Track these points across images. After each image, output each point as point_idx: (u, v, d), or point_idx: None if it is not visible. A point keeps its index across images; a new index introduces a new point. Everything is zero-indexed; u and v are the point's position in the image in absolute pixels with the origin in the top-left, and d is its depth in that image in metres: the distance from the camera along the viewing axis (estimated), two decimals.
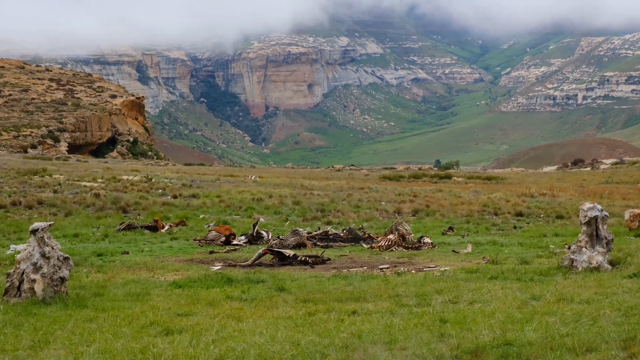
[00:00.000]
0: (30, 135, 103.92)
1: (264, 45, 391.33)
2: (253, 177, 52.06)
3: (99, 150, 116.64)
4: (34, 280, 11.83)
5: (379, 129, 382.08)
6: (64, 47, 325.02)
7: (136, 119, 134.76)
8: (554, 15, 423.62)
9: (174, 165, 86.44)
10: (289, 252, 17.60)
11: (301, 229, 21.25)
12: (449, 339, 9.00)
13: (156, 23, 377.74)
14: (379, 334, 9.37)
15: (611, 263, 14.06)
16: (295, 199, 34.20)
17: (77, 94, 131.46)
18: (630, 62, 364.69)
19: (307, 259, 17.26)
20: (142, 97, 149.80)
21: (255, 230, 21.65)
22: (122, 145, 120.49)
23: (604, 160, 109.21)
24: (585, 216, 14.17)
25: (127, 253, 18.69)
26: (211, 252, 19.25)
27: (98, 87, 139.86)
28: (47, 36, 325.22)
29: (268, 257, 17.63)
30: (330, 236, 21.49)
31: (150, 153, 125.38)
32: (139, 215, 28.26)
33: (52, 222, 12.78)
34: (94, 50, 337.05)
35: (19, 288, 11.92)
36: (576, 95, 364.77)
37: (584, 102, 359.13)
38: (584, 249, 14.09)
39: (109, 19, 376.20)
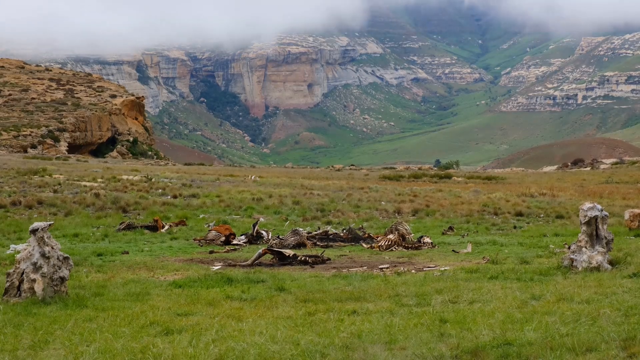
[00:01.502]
0: (30, 135, 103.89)
1: (264, 45, 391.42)
2: (253, 177, 52.04)
3: (99, 150, 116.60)
4: (33, 280, 11.83)
5: (379, 128, 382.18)
6: (64, 46, 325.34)
7: (136, 118, 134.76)
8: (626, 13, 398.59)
9: (173, 165, 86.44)
10: (289, 252, 17.60)
11: (301, 229, 21.24)
12: (449, 338, 9.01)
13: (194, 22, 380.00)
14: (378, 334, 9.37)
15: (611, 263, 14.06)
16: (295, 198, 34.20)
17: (77, 93, 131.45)
18: (630, 62, 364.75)
19: (307, 258, 17.25)
20: (142, 97, 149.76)
21: (255, 230, 21.65)
22: (122, 145, 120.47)
23: (604, 160, 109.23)
24: (585, 216, 14.17)
25: (127, 253, 18.69)
26: (211, 252, 19.25)
27: (98, 87, 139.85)
28: (47, 35, 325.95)
29: (268, 257, 17.63)
30: (330, 236, 21.48)
31: (150, 153, 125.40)
32: (139, 215, 28.25)
33: (52, 222, 12.77)
34: (94, 50, 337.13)
35: (18, 288, 11.92)
36: (576, 95, 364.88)
37: (584, 102, 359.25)
38: (583, 249, 14.09)
39: (150, 17, 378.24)
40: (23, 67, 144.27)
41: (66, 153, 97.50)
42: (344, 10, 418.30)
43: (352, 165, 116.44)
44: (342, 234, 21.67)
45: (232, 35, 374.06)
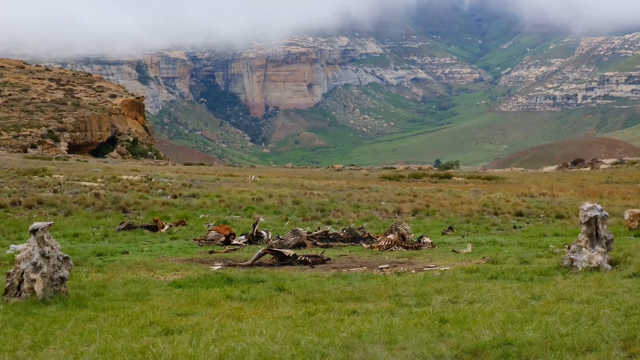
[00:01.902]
0: (30, 135, 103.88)
1: (264, 45, 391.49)
2: (253, 177, 52.03)
3: (99, 150, 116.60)
4: (33, 280, 11.83)
5: (379, 128, 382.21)
6: (64, 46, 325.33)
7: (136, 118, 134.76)
8: None
9: (173, 165, 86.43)
10: (288, 252, 17.60)
11: (301, 229, 21.24)
12: (449, 338, 9.00)
13: (206, 22, 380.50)
14: (378, 334, 9.37)
15: (611, 263, 14.06)
16: (295, 198, 34.19)
17: (77, 93, 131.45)
18: (630, 62, 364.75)
19: (307, 258, 17.25)
20: (142, 96, 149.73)
21: (255, 230, 21.64)
22: (122, 145, 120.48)
23: (603, 160, 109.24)
24: (585, 216, 14.17)
25: (127, 253, 18.68)
26: (211, 252, 19.25)
27: (98, 86, 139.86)
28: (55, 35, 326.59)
29: (268, 257, 17.62)
30: (330, 236, 21.47)
31: (150, 153, 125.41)
32: (138, 215, 28.25)
33: (52, 222, 12.77)
34: (94, 50, 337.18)
35: (18, 288, 11.92)
36: (576, 95, 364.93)
37: (584, 101, 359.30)
38: (583, 249, 14.09)
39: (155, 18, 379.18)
40: (23, 67, 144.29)
41: (66, 153, 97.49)
42: (349, 10, 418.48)
43: (352, 165, 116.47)
44: (342, 234, 21.66)
45: (244, 34, 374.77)
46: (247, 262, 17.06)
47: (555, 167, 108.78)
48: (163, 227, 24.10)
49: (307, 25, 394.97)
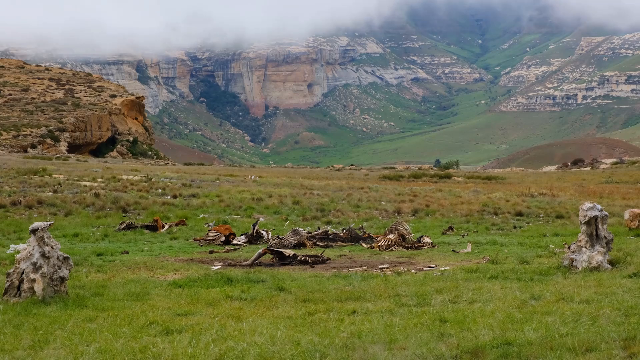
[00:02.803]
0: (30, 134, 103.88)
1: (264, 45, 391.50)
2: (253, 177, 52.03)
3: (99, 149, 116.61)
4: (33, 280, 11.83)
5: (379, 128, 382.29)
6: (64, 46, 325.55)
7: (136, 118, 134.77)
8: None
9: (173, 164, 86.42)
10: (288, 252, 17.60)
11: (301, 229, 21.23)
12: (449, 338, 9.00)
13: (228, 22, 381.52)
14: (378, 334, 9.37)
15: (611, 263, 14.06)
16: (295, 198, 34.18)
17: (76, 93, 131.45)
18: (630, 62, 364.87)
19: (307, 258, 17.24)
20: (142, 96, 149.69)
21: (255, 229, 21.64)
22: (122, 145, 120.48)
23: (603, 160, 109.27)
24: (585, 216, 14.17)
25: (127, 253, 18.68)
26: (211, 252, 19.25)
27: (98, 86, 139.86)
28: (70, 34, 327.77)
29: (268, 257, 17.62)
30: (330, 236, 21.46)
31: (150, 152, 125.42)
32: (138, 214, 28.24)
33: (51, 222, 12.77)
34: (94, 49, 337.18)
35: (18, 288, 11.92)
36: (576, 95, 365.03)
37: (584, 101, 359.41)
38: (583, 249, 14.08)
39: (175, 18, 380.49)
40: (23, 67, 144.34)
41: (66, 153, 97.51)
42: (371, 10, 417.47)
43: (352, 165, 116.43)
44: (342, 234, 21.65)
45: (270, 33, 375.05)
46: (247, 262, 17.06)
47: (555, 167, 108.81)
48: (163, 227, 24.09)
49: (318, 26, 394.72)
